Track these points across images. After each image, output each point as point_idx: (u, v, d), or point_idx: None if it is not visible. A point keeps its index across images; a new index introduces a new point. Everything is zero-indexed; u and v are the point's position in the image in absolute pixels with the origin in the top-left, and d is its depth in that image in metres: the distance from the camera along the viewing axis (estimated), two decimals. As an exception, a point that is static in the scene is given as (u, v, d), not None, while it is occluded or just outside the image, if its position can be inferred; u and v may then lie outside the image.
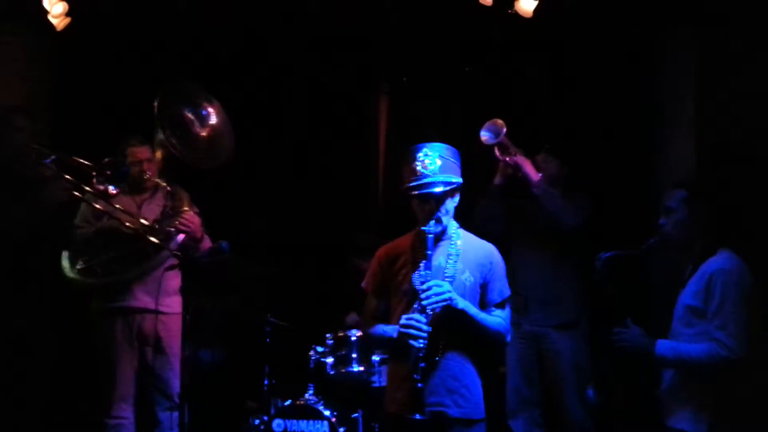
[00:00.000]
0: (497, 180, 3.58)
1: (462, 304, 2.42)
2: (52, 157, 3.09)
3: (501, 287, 2.54)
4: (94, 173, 3.07)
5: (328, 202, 4.69)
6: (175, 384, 3.37)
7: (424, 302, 2.36)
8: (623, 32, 3.94)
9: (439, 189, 2.43)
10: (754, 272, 2.39)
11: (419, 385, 2.36)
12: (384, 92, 4.93)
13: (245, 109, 4.34)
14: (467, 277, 2.49)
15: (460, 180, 2.49)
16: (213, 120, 3.32)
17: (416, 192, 2.44)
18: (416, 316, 2.38)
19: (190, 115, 3.33)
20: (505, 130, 3.41)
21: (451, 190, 2.46)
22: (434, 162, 2.44)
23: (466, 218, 2.67)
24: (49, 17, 3.75)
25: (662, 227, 2.51)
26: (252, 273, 3.98)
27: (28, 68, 4.15)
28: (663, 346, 2.36)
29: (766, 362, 2.39)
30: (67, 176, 3.11)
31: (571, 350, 3.48)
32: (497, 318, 2.51)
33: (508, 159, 3.52)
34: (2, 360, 3.13)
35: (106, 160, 3.11)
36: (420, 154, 2.45)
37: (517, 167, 3.50)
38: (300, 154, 4.78)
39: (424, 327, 2.35)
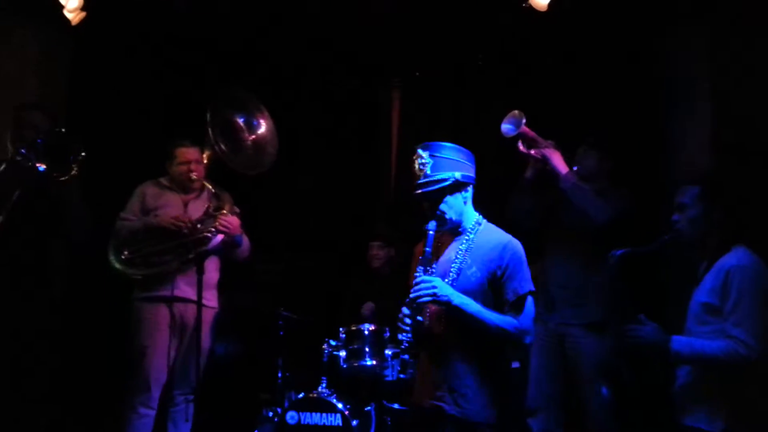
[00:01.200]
0: (528, 173, 3.44)
1: (458, 300, 2.34)
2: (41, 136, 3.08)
3: (515, 285, 2.39)
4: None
5: (340, 198, 4.71)
6: (194, 375, 3.45)
7: (411, 296, 2.37)
8: (639, 26, 3.89)
9: (429, 189, 2.42)
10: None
11: (402, 376, 2.44)
12: (396, 87, 4.94)
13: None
14: (474, 272, 2.41)
15: (453, 176, 2.41)
16: (262, 129, 3.49)
17: (414, 193, 2.47)
18: (404, 309, 2.40)
19: (240, 123, 3.47)
20: (524, 120, 3.28)
21: (450, 186, 2.41)
22: (426, 162, 2.43)
23: (499, 213, 2.60)
24: (65, 11, 3.78)
25: (676, 224, 2.48)
26: (266, 267, 4.02)
27: (43, 64, 4.17)
28: (679, 342, 2.33)
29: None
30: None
31: (596, 351, 3.29)
32: (507, 317, 2.37)
33: (533, 152, 3.37)
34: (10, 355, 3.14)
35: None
36: (415, 156, 2.46)
37: (544, 159, 3.35)
38: (314, 151, 4.79)
39: (407, 320, 2.37)
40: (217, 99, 3.34)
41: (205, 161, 3.51)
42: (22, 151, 2.99)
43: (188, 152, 3.58)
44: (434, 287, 2.34)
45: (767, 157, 3.13)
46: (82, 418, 3.93)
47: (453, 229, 2.49)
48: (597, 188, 3.38)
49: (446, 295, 2.34)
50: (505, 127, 3.35)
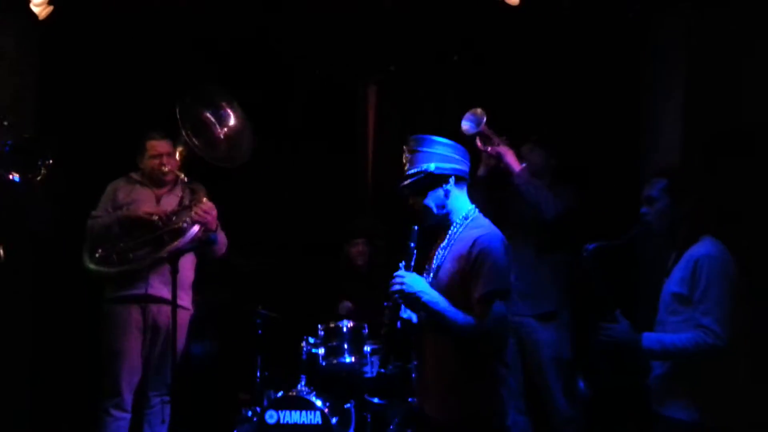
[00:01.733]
0: (481, 171, 3.53)
1: (426, 297, 2.26)
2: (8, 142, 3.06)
3: (482, 282, 2.23)
4: None
5: (318, 194, 4.69)
6: (169, 376, 3.40)
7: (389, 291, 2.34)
8: (613, 17, 3.90)
9: (405, 183, 2.38)
10: (735, 258, 2.39)
11: (382, 370, 2.50)
12: (373, 81, 4.92)
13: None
14: (448, 269, 2.34)
15: (427, 168, 2.33)
16: (232, 122, 3.46)
17: (398, 190, 2.44)
18: (385, 305, 2.40)
19: (210, 117, 3.44)
20: (485, 119, 3.37)
21: (426, 180, 2.34)
22: (408, 157, 2.40)
23: None
24: (31, 5, 3.71)
25: (644, 216, 2.50)
26: (242, 264, 3.99)
27: (18, 61, 4.11)
28: (649, 339, 2.35)
29: (753, 348, 2.40)
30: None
31: (551, 340, 3.50)
32: (468, 318, 2.22)
33: (489, 149, 3.49)
34: None
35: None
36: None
37: (499, 157, 3.47)
38: (289, 146, 4.77)
39: (385, 315, 2.39)
40: (185, 95, 3.31)
41: (178, 156, 3.47)
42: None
43: (159, 145, 3.53)
44: (403, 282, 2.29)
45: (736, 148, 3.14)
46: (52, 419, 3.89)
47: (442, 224, 2.41)
48: (545, 184, 3.53)
49: (414, 292, 2.27)
50: (466, 124, 3.43)
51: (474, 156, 3.46)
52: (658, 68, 3.77)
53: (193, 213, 3.36)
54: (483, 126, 3.39)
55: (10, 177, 2.98)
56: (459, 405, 2.30)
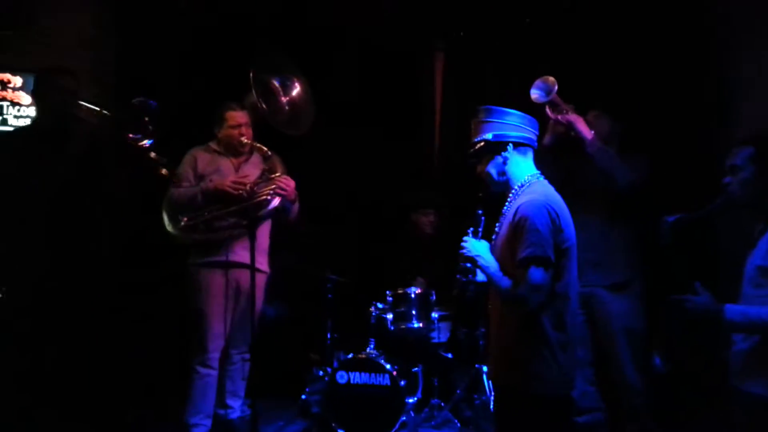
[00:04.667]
0: (547, 139, 3.46)
1: (484, 262, 2.36)
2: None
3: (521, 248, 2.27)
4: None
5: (386, 161, 4.73)
6: (249, 335, 3.54)
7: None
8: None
9: (469, 153, 2.46)
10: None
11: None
12: (439, 48, 4.88)
13: (301, 72, 4.40)
14: (503, 234, 2.40)
15: (485, 138, 2.41)
16: (296, 91, 3.54)
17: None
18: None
19: (277, 85, 3.53)
20: (556, 87, 3.31)
21: (486, 149, 2.42)
22: (473, 128, 2.47)
23: None
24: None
25: (728, 186, 2.41)
26: (314, 231, 4.09)
27: (95, 36, 4.27)
28: (732, 311, 2.27)
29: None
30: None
31: (622, 311, 3.45)
32: (509, 282, 2.30)
33: (560, 117, 3.42)
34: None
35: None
36: None
37: (569, 125, 3.40)
38: (357, 115, 4.80)
39: (456, 280, 2.45)
40: (257, 61, 3.37)
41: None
42: (138, 135, 3.16)
43: (238, 115, 3.62)
44: (468, 250, 2.39)
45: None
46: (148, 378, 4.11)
47: (506, 191, 2.46)
48: (615, 151, 3.45)
49: (473, 255, 2.38)
50: (535, 93, 3.36)
51: (541, 124, 3.49)
52: (740, 28, 3.57)
53: (274, 185, 3.47)
54: (554, 94, 3.34)
55: (145, 143, 3.14)
56: (508, 369, 2.36)
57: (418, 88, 4.93)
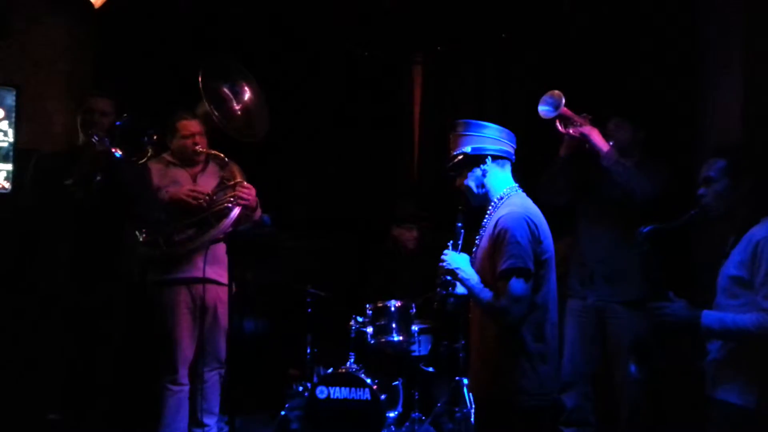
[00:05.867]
0: (562, 152, 3.37)
1: (464, 274, 2.36)
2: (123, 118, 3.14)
3: (502, 260, 2.28)
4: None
5: (366, 175, 4.73)
6: (223, 352, 3.53)
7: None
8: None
9: (447, 166, 2.49)
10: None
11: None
12: (417, 62, 4.91)
13: (279, 83, 4.40)
14: (483, 247, 2.41)
15: (463, 151, 2.42)
16: (247, 96, 3.51)
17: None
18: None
19: (227, 91, 3.49)
20: (563, 100, 3.21)
21: (464, 162, 2.43)
22: (451, 141, 2.49)
23: (529, 190, 2.54)
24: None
25: (702, 198, 2.45)
26: (293, 245, 4.06)
27: (71, 48, 4.22)
28: (709, 317, 2.30)
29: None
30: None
31: (635, 328, 3.24)
32: (490, 295, 2.31)
33: (572, 131, 3.31)
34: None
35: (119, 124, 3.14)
36: None
37: (584, 138, 3.28)
38: (335, 128, 4.80)
39: (437, 292, 2.45)
40: (204, 67, 3.34)
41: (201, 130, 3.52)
42: (95, 137, 3.06)
43: (191, 125, 3.52)
44: (447, 263, 2.39)
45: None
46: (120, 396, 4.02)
47: (485, 204, 2.47)
48: (635, 161, 3.34)
49: (453, 268, 2.38)
50: (543, 108, 3.27)
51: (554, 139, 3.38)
52: (714, 40, 3.61)
53: (234, 194, 3.38)
54: (562, 108, 3.20)
55: (113, 150, 3.02)
56: (488, 382, 2.36)
57: (396, 101, 4.94)
